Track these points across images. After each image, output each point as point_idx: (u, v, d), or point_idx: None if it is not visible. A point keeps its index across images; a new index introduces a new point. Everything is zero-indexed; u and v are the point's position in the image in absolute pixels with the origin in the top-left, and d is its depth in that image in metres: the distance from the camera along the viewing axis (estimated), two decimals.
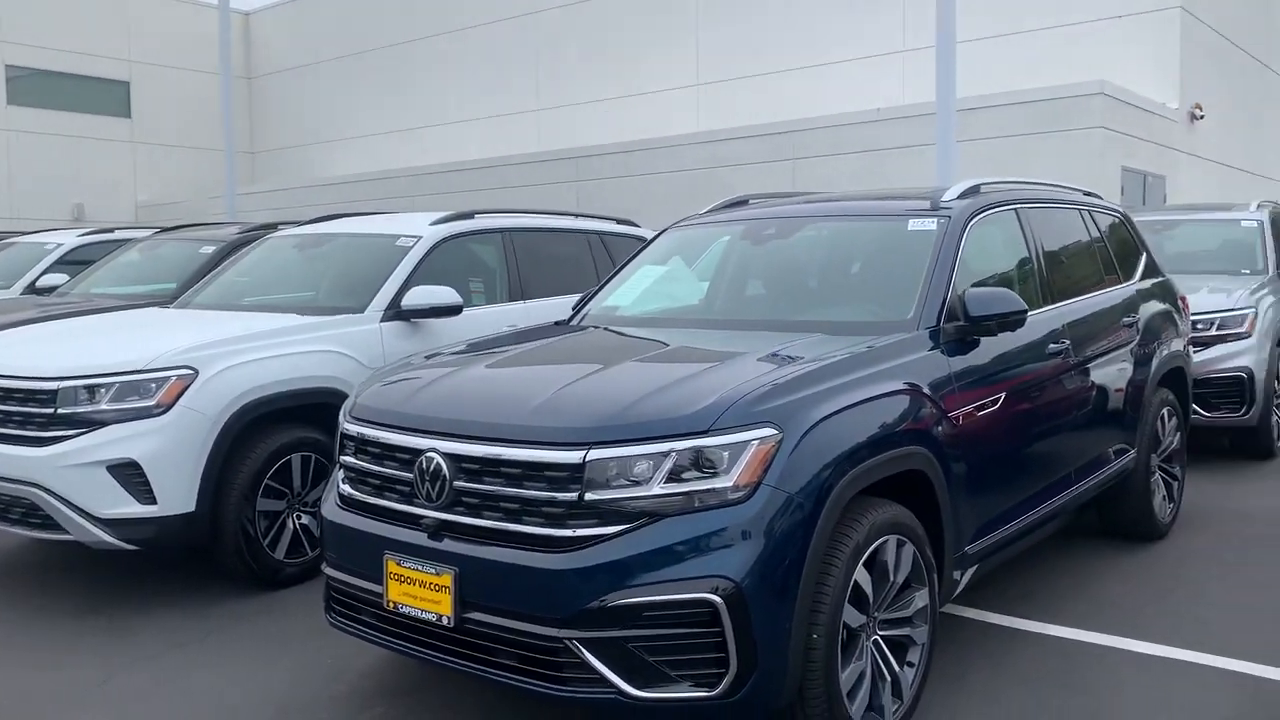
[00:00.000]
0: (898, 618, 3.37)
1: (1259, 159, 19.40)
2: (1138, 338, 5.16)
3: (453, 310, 5.54)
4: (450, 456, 3.11)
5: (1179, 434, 5.66)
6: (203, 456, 4.62)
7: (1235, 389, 7.09)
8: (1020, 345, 4.10)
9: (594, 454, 2.89)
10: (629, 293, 4.67)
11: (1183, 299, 6.06)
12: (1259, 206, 8.70)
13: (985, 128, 12.93)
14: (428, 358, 3.97)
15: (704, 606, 2.80)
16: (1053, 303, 4.54)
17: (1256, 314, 7.24)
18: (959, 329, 3.81)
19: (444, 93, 24.70)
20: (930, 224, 4.14)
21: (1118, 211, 5.77)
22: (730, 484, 2.87)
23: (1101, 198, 5.80)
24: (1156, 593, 4.71)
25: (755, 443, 2.91)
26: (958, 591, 3.88)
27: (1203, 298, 7.25)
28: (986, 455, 3.82)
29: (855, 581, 3.12)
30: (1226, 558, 5.21)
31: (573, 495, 2.90)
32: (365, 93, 26.61)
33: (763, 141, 15.71)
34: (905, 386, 3.45)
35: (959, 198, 4.33)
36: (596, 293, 4.80)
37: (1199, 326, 7.17)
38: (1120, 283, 5.33)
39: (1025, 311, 3.85)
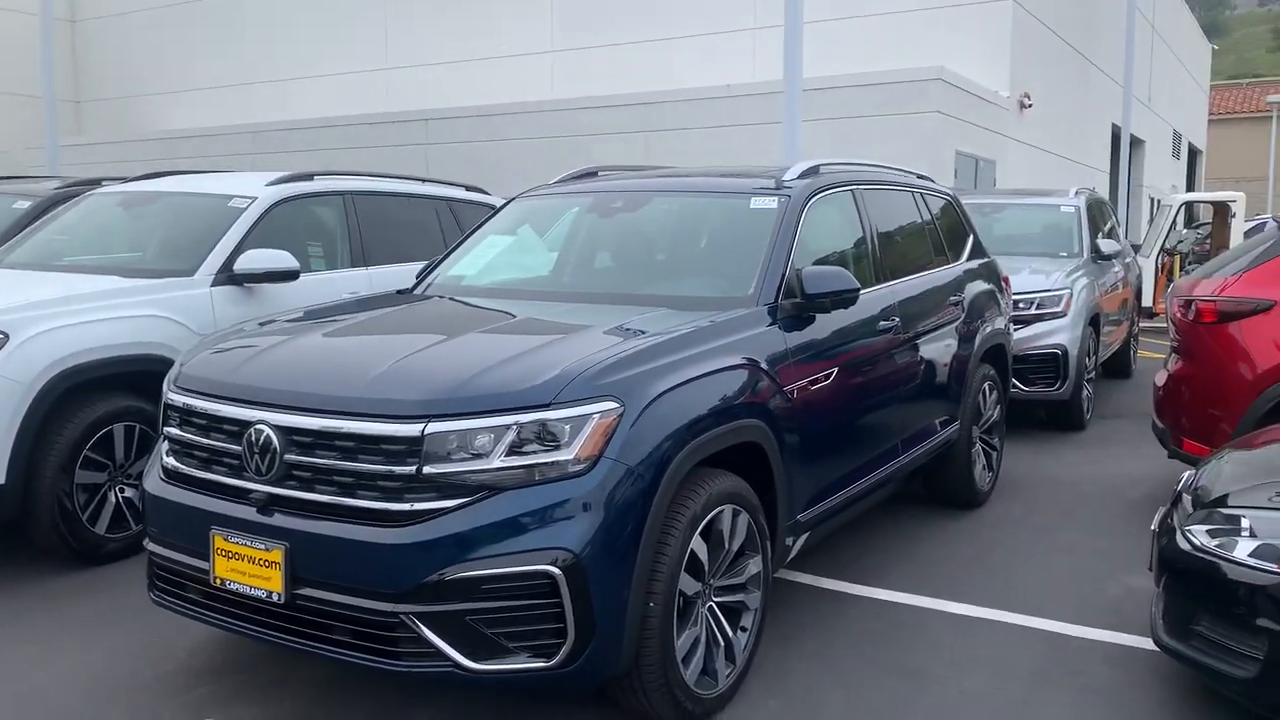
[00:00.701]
0: (732, 584, 3.48)
1: (1079, 147, 20.63)
2: (963, 316, 5.44)
3: (289, 275, 5.35)
4: (281, 429, 3.02)
5: (999, 407, 6.01)
6: (13, 426, 4.35)
7: (1051, 365, 7.56)
8: (853, 322, 4.26)
9: (433, 427, 2.86)
10: (474, 262, 4.62)
11: (1005, 279, 6.40)
12: (1077, 193, 9.26)
13: (830, 108, 13.30)
14: (261, 325, 3.83)
15: (543, 578, 2.82)
16: (885, 281, 4.73)
17: (1072, 294, 7.72)
18: (796, 306, 3.93)
19: (287, 45, 23.63)
20: (771, 203, 4.24)
21: (948, 194, 6.04)
22: (571, 457, 2.89)
23: (934, 181, 6.05)
24: (974, 556, 5.01)
25: (596, 416, 2.93)
26: (790, 557, 4.03)
27: (1024, 278, 7.69)
28: (819, 427, 3.96)
29: (692, 550, 3.19)
30: (1038, 522, 5.57)
31: (410, 469, 2.86)
32: (202, 42, 25.18)
33: (617, 112, 15.71)
34: (743, 361, 3.53)
35: (799, 178, 4.45)
36: (441, 261, 4.73)
37: (1020, 306, 7.60)
38: (948, 263, 5.59)
39: (858, 289, 3.99)
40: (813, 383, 3.90)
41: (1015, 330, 7.48)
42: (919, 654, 3.91)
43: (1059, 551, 5.10)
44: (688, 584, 3.20)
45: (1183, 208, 16.33)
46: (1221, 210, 16.71)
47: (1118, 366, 10.42)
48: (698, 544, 3.22)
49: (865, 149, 12.78)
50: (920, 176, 5.92)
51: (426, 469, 2.85)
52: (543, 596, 2.83)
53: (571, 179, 5.03)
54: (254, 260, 5.29)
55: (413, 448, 2.86)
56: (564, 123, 16.25)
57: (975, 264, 5.94)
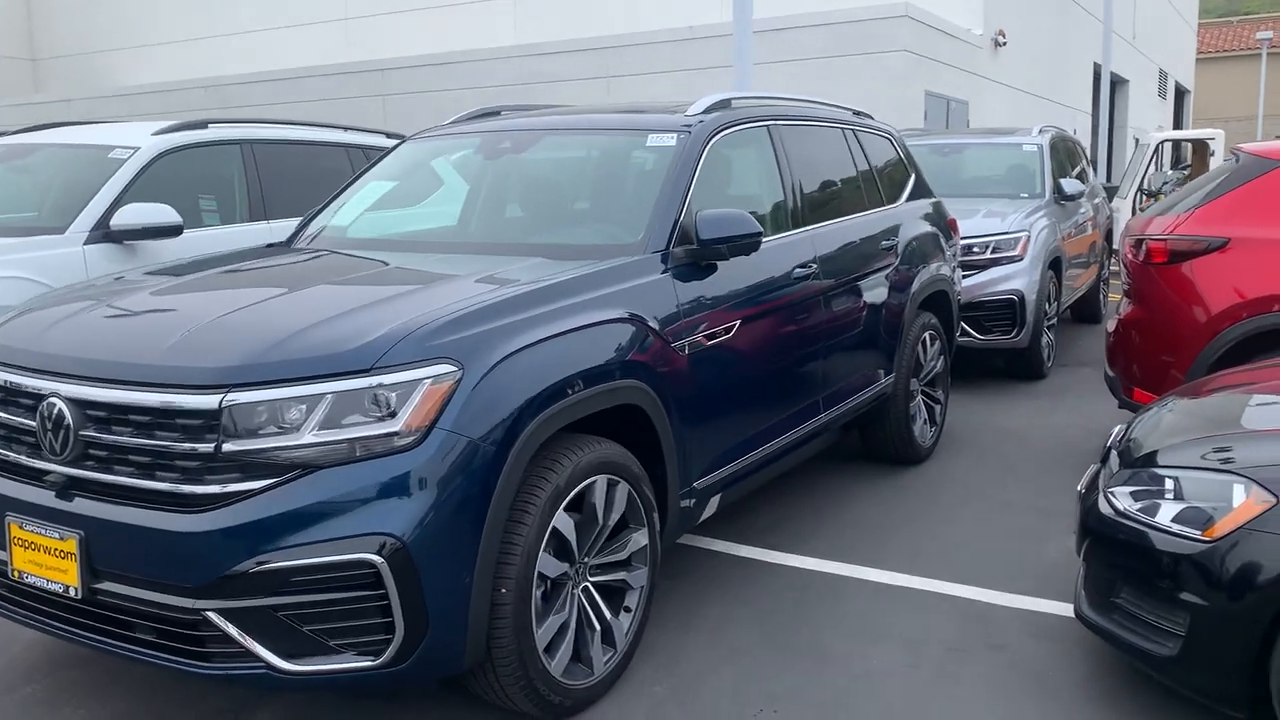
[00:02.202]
0: (611, 562, 3.15)
1: (1058, 87, 20.13)
2: (897, 261, 5.08)
3: (171, 231, 4.96)
4: (74, 402, 2.67)
5: (942, 358, 5.67)
6: None
7: (1007, 312, 7.21)
8: (760, 270, 3.90)
9: (234, 397, 2.51)
10: (351, 211, 4.24)
11: (952, 222, 6.04)
12: (1041, 131, 8.85)
13: (791, 49, 12.82)
14: (103, 283, 3.46)
15: (364, 568, 2.48)
16: (804, 226, 4.36)
17: (1030, 237, 7.35)
18: (690, 253, 3.56)
19: None
20: (669, 139, 3.86)
21: (886, 132, 5.65)
22: (398, 429, 2.54)
23: (872, 117, 5.66)
24: (906, 518, 4.70)
25: (428, 381, 2.58)
26: (699, 521, 3.72)
27: (978, 221, 7.32)
28: (719, 386, 3.63)
29: (555, 528, 2.86)
30: (979, 479, 5.27)
31: (209, 446, 2.51)
32: None
33: (578, 57, 15.19)
34: (622, 315, 3.17)
35: (704, 112, 4.06)
36: (320, 210, 4.35)
37: (975, 250, 7.25)
38: (883, 205, 5.22)
39: (759, 235, 3.63)
40: (710, 337, 3.56)
41: (970, 276, 7.15)
42: (828, 629, 3.60)
43: (997, 510, 4.79)
44: (550, 565, 2.87)
45: (1160, 146, 15.90)
46: (1201, 149, 16.29)
47: (1086, 311, 10.10)
48: (562, 521, 2.89)
49: (828, 92, 12.30)
50: (857, 113, 5.53)
51: (227, 446, 2.50)
52: (365, 588, 2.50)
53: (468, 119, 4.63)
54: (132, 215, 4.90)
55: (211, 421, 2.51)
56: (522, 69, 15.74)
57: (915, 206, 5.57)
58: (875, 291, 4.83)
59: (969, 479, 5.27)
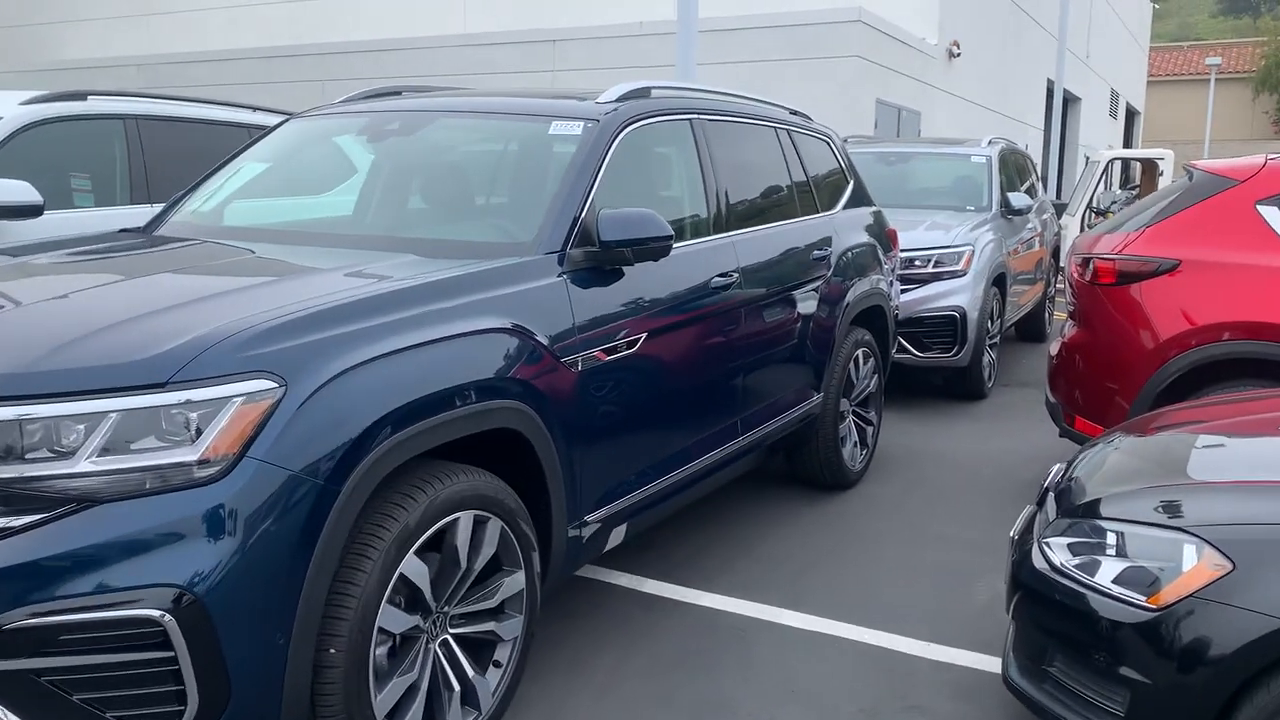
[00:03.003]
0: (478, 610, 2.73)
1: (1012, 101, 20.05)
2: (829, 273, 4.71)
3: (29, 211, 4.45)
4: None
5: (876, 376, 5.32)
6: None
7: (947, 328, 6.90)
8: (673, 278, 3.51)
9: None
10: (218, 195, 3.77)
11: (891, 233, 5.69)
12: (990, 143, 8.58)
13: (739, 50, 12.48)
14: None
15: (148, 626, 2.04)
16: (725, 231, 3.97)
17: (974, 251, 7.05)
18: (589, 256, 3.16)
19: None
20: (574, 128, 3.45)
21: (824, 134, 5.29)
22: (197, 457, 2.10)
23: (809, 119, 5.30)
24: (828, 551, 4.32)
25: (239, 400, 2.14)
26: (604, 551, 3.34)
27: (920, 234, 7.00)
28: (620, 406, 3.22)
29: (402, 574, 2.44)
30: (909, 508, 4.92)
31: None
32: None
33: (522, 49, 14.74)
34: (500, 325, 2.76)
35: (617, 100, 3.66)
36: (186, 194, 3.87)
37: (916, 263, 6.93)
38: (817, 212, 4.85)
39: (669, 238, 3.23)
40: (611, 351, 3.15)
41: (910, 290, 6.83)
42: (733, 683, 3.21)
43: (926, 544, 4.44)
44: (396, 619, 2.45)
45: (1110, 165, 15.82)
46: (1150, 169, 16.23)
47: (1031, 329, 9.86)
48: (413, 566, 2.46)
49: (778, 96, 12.00)
50: (794, 113, 5.17)
51: None
52: (151, 649, 2.05)
53: (362, 98, 4.17)
54: None
55: None
56: (467, 59, 15.25)
57: (852, 215, 5.21)
58: (804, 305, 4.46)
59: (899, 507, 4.92)
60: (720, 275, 3.79)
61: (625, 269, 3.28)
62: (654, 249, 3.22)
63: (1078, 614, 2.53)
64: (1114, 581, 2.50)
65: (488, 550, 2.70)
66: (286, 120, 4.15)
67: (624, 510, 3.35)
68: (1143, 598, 2.42)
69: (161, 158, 5.35)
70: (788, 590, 3.90)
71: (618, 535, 3.42)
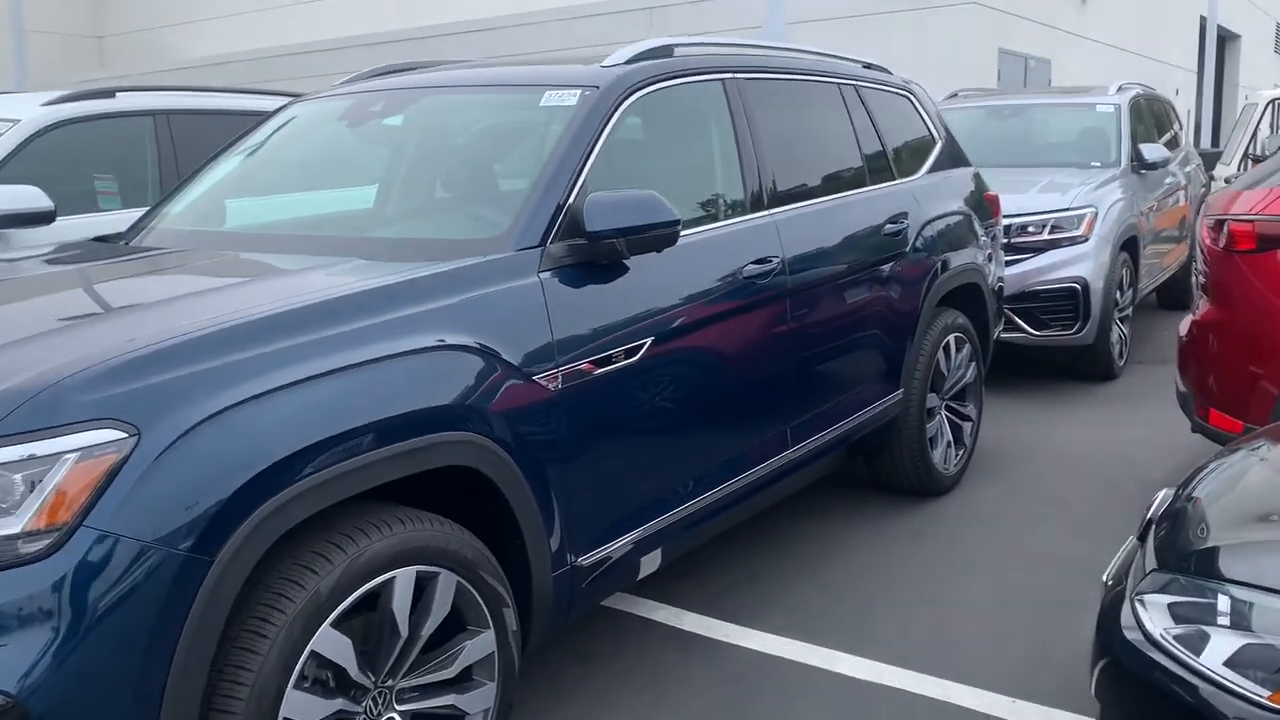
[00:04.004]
0: (433, 682, 2.29)
1: (1157, 42, 18.42)
2: (906, 249, 4.07)
3: (40, 218, 4.24)
4: None
5: (973, 365, 4.65)
6: None
7: (1068, 302, 6.10)
8: (688, 269, 2.98)
9: None
10: (190, 194, 3.41)
11: (992, 198, 4.98)
12: (1120, 89, 7.64)
13: (842, 5, 11.65)
14: None
15: None
16: (766, 209, 3.40)
17: (1097, 214, 6.22)
18: (576, 250, 2.66)
19: None
20: (569, 97, 2.95)
21: (905, 89, 4.62)
22: (20, 529, 1.72)
23: (888, 71, 4.64)
24: (904, 578, 3.73)
25: (73, 456, 1.74)
26: (637, 580, 2.92)
27: (1034, 196, 6.22)
28: (620, 425, 2.73)
29: (315, 653, 2.01)
30: (1012, 519, 4.25)
31: None
32: None
33: (618, 19, 14.24)
34: (446, 341, 2.29)
35: (628, 62, 3.13)
36: (176, 192, 3.54)
37: (1030, 230, 6.16)
38: (892, 179, 4.21)
39: (674, 224, 2.71)
40: (603, 362, 2.65)
41: (1023, 260, 6.08)
42: None
43: (1031, 567, 3.79)
44: (310, 709, 2.02)
45: (1273, 105, 14.24)
46: None
47: (1173, 296, 8.82)
48: (329, 641, 2.03)
49: (886, 52, 11.15)
50: (869, 66, 4.52)
51: None
52: None
53: (368, 76, 3.75)
54: None
55: None
56: (563, 35, 14.87)
57: (938, 180, 4.54)
58: (873, 289, 3.85)
59: (999, 518, 4.27)
60: (756, 262, 3.23)
61: (628, 261, 2.77)
62: (655, 238, 2.70)
63: (1172, 703, 1.91)
64: (1227, 664, 1.87)
65: (439, 611, 2.25)
66: (284, 106, 3.78)
67: (653, 535, 2.88)
68: (1265, 692, 1.79)
69: (195, 153, 5.08)
70: (850, 629, 3.34)
71: (651, 562, 2.95)
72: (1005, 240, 5.97)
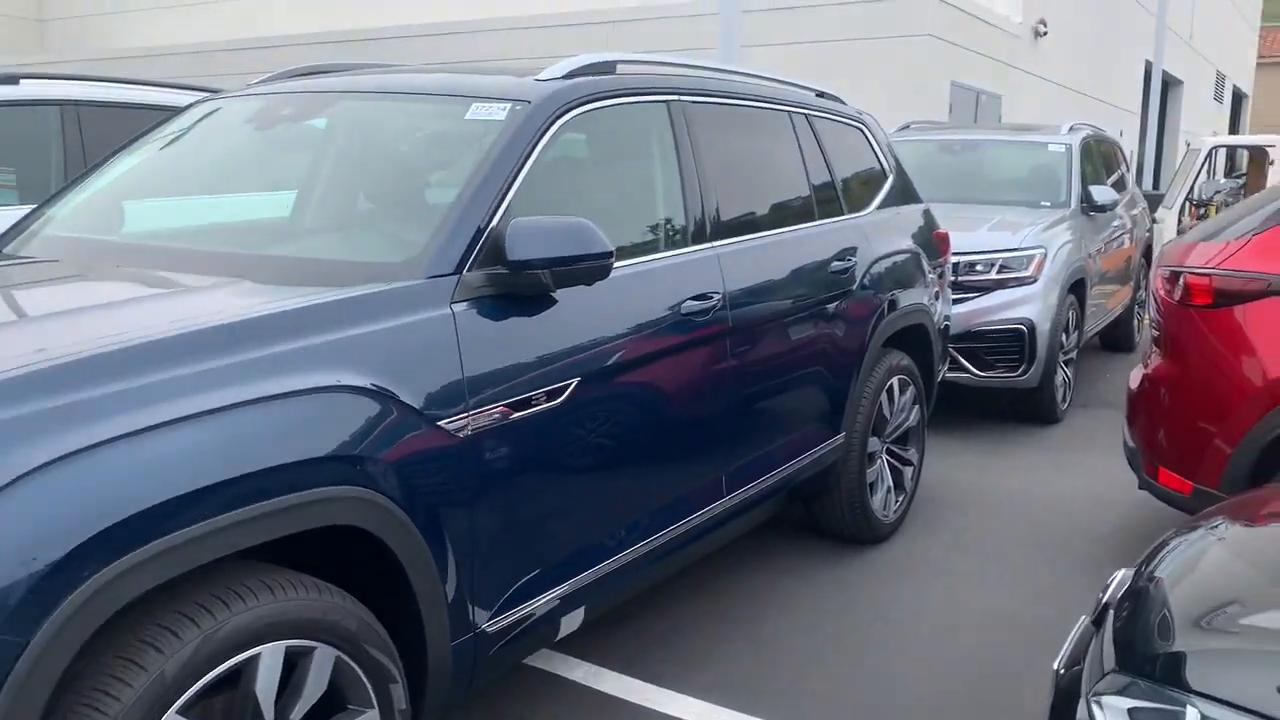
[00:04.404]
0: None
1: (1104, 84, 18.68)
2: (852, 287, 3.88)
3: None
4: None
5: (916, 408, 4.47)
6: None
7: (1013, 344, 5.98)
8: (620, 304, 2.74)
9: None
10: (81, 194, 3.10)
11: (941, 235, 4.82)
12: (1071, 129, 7.59)
13: (797, 30, 11.56)
14: None
15: None
16: (708, 241, 3.18)
17: (1046, 255, 6.11)
18: (494, 280, 2.41)
19: None
20: (497, 111, 2.70)
21: (857, 121, 4.44)
22: None
23: (841, 101, 4.46)
24: (844, 630, 3.52)
25: None
26: (556, 640, 2.65)
27: (984, 234, 6.10)
28: (539, 475, 2.47)
29: None
30: (952, 571, 4.07)
31: None
32: None
33: (578, 31, 14.03)
34: (329, 383, 2.01)
35: (565, 76, 2.89)
36: (62, 194, 3.22)
37: (978, 268, 6.03)
38: (841, 214, 4.02)
39: (607, 256, 2.47)
40: (520, 405, 2.40)
41: (970, 299, 5.95)
42: None
43: (971, 625, 3.60)
44: None
45: (1213, 152, 14.48)
46: (1258, 158, 14.83)
47: (1116, 338, 8.80)
48: None
49: (841, 79, 11.06)
50: (821, 94, 4.33)
51: None
52: None
53: (287, 76, 3.46)
54: None
55: None
56: (518, 42, 14.60)
57: (888, 216, 4.37)
58: (817, 328, 3.65)
59: (938, 571, 4.08)
60: (696, 298, 3.00)
61: (557, 293, 2.53)
62: (584, 270, 2.46)
63: None
64: None
65: (312, 692, 1.98)
66: (195, 103, 3.47)
67: (574, 593, 2.63)
68: None
69: (105, 148, 4.74)
70: (783, 695, 3.11)
71: (572, 621, 2.70)
72: (953, 278, 5.84)
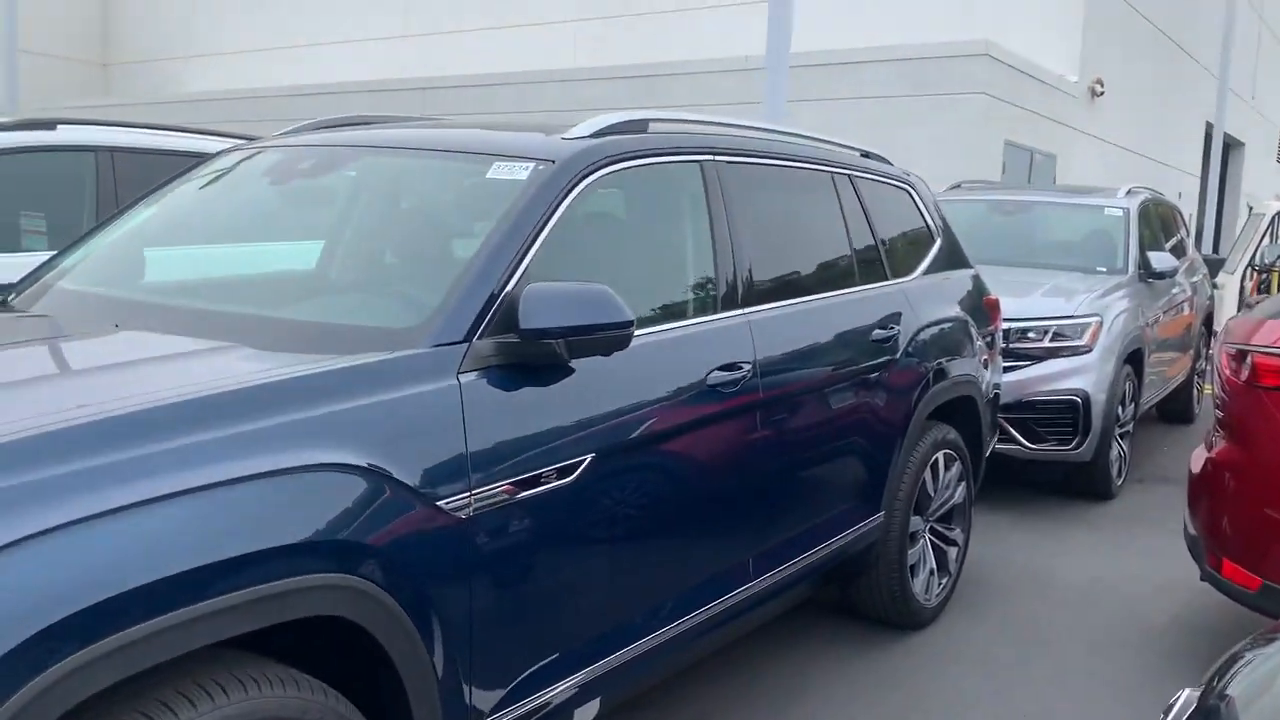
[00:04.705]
0: None
1: (1164, 145, 18.35)
2: (896, 356, 3.69)
3: None
4: None
5: (962, 484, 4.24)
6: None
7: (1067, 416, 5.72)
8: (642, 375, 2.58)
9: None
10: (97, 250, 3.01)
11: (991, 302, 4.62)
12: (1129, 193, 7.35)
13: (850, 86, 11.47)
14: None
15: None
16: (739, 307, 3.02)
17: (1102, 323, 5.87)
18: (504, 349, 2.26)
19: (314, 11, 22.48)
20: (520, 170, 2.57)
21: (903, 182, 4.28)
22: None
23: (887, 162, 4.30)
24: None
25: None
26: None
27: (1036, 300, 5.87)
28: (548, 558, 2.30)
29: None
30: (997, 663, 3.81)
31: None
32: (232, 5, 24.18)
33: (627, 84, 14.06)
34: (317, 460, 1.86)
35: (594, 135, 2.77)
36: (79, 243, 3.14)
37: (1030, 335, 5.80)
38: (885, 279, 3.84)
39: (626, 326, 2.31)
40: (530, 483, 2.23)
41: (1021, 368, 5.71)
42: None
43: None
44: None
45: (1277, 217, 14.06)
46: None
47: (1175, 409, 8.45)
48: None
49: (891, 135, 10.92)
50: (867, 154, 4.18)
51: None
52: None
53: (315, 128, 3.34)
54: None
55: None
56: (568, 95, 14.66)
57: (935, 281, 4.18)
58: (857, 401, 3.46)
59: (984, 663, 3.82)
60: (723, 368, 2.83)
61: (575, 362, 2.37)
62: (602, 340, 2.30)
63: None
64: None
65: None
66: (222, 151, 3.39)
67: (588, 685, 2.45)
68: None
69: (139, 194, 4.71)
70: None
71: (586, 713, 2.52)
72: (1004, 345, 5.62)
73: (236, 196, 3.03)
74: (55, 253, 3.15)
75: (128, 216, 3.13)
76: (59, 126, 4.61)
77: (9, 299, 2.83)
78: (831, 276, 3.55)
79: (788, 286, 3.28)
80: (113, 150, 4.70)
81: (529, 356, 2.28)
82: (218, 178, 3.14)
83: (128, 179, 4.69)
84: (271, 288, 2.72)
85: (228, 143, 5.15)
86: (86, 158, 4.63)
